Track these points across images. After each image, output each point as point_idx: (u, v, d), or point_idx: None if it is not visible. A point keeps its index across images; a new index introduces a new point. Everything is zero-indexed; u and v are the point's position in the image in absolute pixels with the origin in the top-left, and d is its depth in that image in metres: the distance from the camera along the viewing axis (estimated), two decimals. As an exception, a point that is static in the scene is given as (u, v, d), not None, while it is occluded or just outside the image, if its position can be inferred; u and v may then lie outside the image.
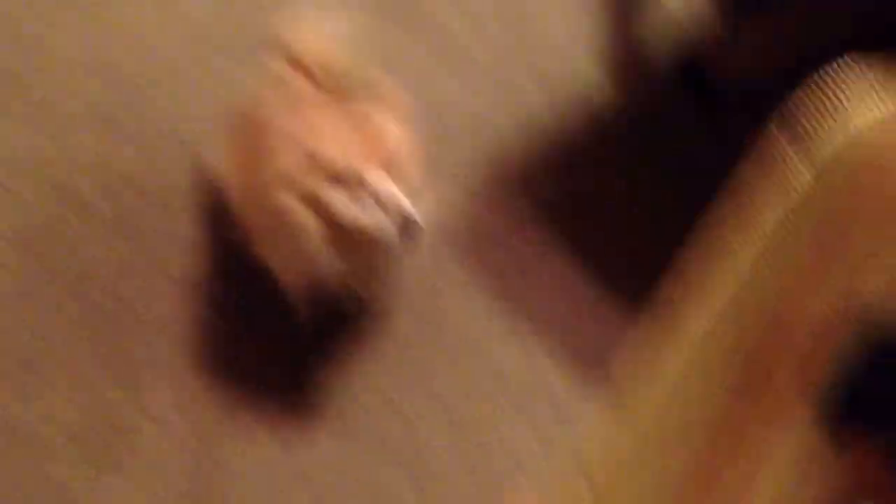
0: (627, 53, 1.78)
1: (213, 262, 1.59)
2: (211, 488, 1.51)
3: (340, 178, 1.23)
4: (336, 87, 1.41)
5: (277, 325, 1.57)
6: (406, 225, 1.23)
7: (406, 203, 1.24)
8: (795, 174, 0.75)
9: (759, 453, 0.67)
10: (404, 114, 1.34)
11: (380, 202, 1.24)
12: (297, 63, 1.44)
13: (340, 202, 1.24)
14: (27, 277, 1.55)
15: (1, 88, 1.65)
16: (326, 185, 1.23)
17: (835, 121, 0.74)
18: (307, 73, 1.44)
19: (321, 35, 1.49)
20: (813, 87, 0.75)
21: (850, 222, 0.70)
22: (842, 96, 0.74)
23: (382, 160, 1.25)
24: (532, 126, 1.72)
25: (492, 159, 1.69)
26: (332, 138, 1.25)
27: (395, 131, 1.30)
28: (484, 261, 1.65)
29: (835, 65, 0.75)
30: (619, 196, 1.71)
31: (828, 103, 0.75)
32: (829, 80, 0.75)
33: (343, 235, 1.27)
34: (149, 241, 1.59)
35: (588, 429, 1.42)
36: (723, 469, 0.68)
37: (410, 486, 1.56)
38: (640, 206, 1.70)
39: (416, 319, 1.61)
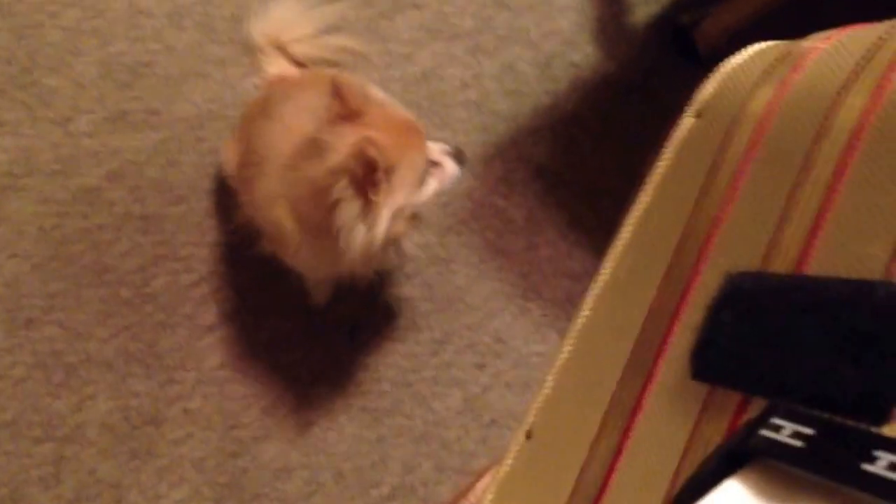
0: (616, 21, 1.81)
1: (233, 255, 1.69)
2: (236, 468, 1.61)
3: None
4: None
5: (297, 310, 1.66)
6: (458, 156, 1.35)
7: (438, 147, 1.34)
8: (684, 122, 0.81)
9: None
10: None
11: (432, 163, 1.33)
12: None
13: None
14: (56, 277, 1.67)
15: (14, 89, 1.75)
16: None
17: (715, 73, 0.80)
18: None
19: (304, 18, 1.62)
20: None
21: (725, 154, 0.75)
22: (728, 62, 0.81)
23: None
24: (525, 99, 1.76)
25: (490, 137, 1.74)
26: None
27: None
28: (490, 238, 1.70)
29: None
30: (611, 162, 1.74)
31: (716, 70, 0.81)
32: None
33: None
34: (170, 236, 1.69)
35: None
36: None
37: (428, 461, 1.62)
38: (632, 171, 1.72)
39: (429, 299, 1.68)
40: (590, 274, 1.64)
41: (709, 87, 0.82)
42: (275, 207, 1.33)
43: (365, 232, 1.25)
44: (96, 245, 1.68)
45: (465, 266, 1.69)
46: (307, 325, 1.65)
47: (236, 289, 1.67)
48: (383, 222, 1.25)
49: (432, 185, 1.33)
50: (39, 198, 1.70)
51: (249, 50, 1.71)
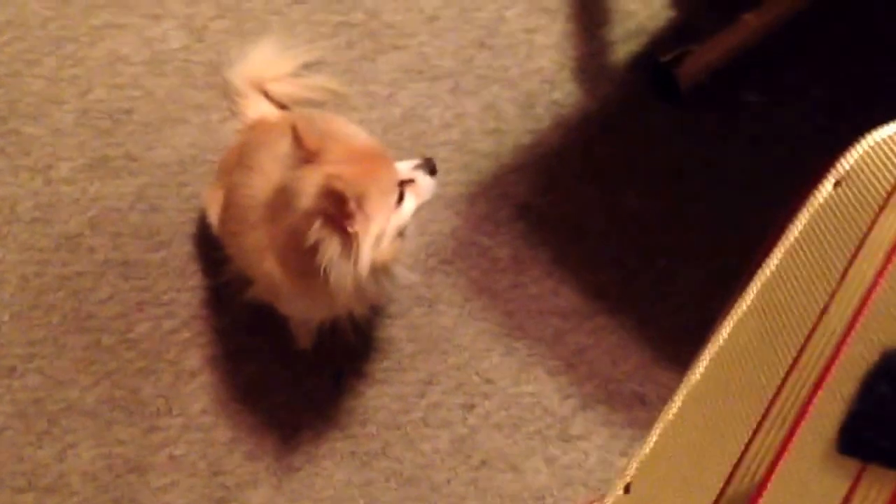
0: (596, 59, 1.84)
1: (215, 299, 1.69)
2: (221, 516, 1.60)
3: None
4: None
5: (280, 354, 1.66)
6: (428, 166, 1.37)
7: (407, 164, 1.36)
8: (821, 190, 0.82)
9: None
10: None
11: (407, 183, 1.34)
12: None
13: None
14: (36, 325, 1.67)
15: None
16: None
17: (856, 146, 0.82)
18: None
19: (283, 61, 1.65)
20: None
21: (877, 227, 0.76)
22: (870, 136, 0.83)
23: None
24: (507, 137, 1.78)
25: (472, 176, 1.76)
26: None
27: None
28: (475, 278, 1.71)
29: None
30: (595, 198, 1.75)
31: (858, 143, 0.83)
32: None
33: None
34: (152, 282, 1.70)
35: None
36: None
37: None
38: (616, 207, 1.75)
39: (415, 340, 1.68)
40: (577, 312, 1.66)
41: (849, 158, 0.84)
42: (264, 260, 1.34)
43: (351, 266, 1.25)
44: (77, 292, 1.68)
45: (451, 306, 1.70)
46: (291, 368, 1.66)
47: (219, 333, 1.67)
48: (367, 252, 1.26)
49: (411, 202, 1.34)
50: (20, 246, 1.70)
51: (229, 94, 1.73)
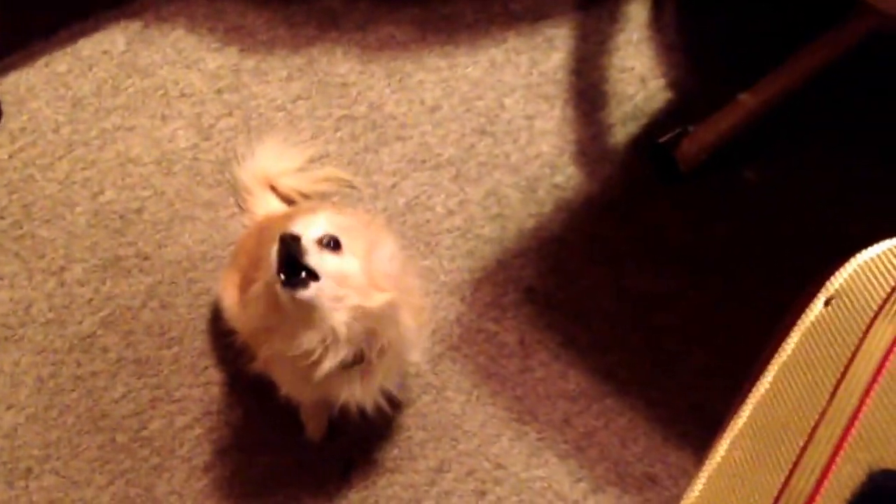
0: (596, 142, 1.90)
1: (226, 393, 1.75)
2: None
3: None
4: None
5: (290, 446, 1.71)
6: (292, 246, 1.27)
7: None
8: (812, 308, 0.85)
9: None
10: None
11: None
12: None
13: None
14: (52, 426, 1.73)
15: (8, 242, 1.85)
16: None
17: (847, 264, 0.86)
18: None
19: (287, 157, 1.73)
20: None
21: (865, 346, 0.80)
22: (861, 255, 0.87)
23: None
24: (510, 223, 1.85)
25: (477, 262, 1.82)
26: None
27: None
28: (482, 363, 1.76)
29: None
30: (600, 280, 1.81)
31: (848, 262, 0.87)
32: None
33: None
34: (164, 379, 1.76)
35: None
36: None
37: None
38: (621, 289, 1.80)
39: (424, 427, 1.73)
40: (585, 394, 1.71)
41: (840, 276, 0.86)
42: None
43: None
44: (91, 392, 1.75)
45: (459, 392, 1.74)
46: (301, 459, 1.70)
47: (231, 427, 1.72)
48: None
49: None
50: (35, 348, 1.77)
51: (237, 191, 1.81)
